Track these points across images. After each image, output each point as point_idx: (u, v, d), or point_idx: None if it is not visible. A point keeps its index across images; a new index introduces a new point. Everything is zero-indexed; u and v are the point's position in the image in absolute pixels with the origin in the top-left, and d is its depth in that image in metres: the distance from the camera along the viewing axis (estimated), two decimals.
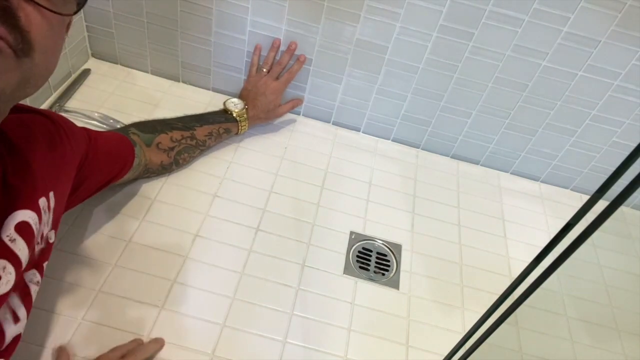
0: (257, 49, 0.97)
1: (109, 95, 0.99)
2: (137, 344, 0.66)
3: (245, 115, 0.93)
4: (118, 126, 0.90)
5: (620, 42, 0.84)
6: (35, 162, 0.50)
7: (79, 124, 0.90)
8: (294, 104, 1.01)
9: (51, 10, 0.39)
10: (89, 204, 0.79)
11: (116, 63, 1.07)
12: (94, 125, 0.92)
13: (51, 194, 0.53)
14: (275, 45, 0.95)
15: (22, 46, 0.37)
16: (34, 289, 0.52)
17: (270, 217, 0.85)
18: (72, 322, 0.66)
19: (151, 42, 1.01)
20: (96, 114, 0.93)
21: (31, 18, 0.37)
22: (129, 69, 1.07)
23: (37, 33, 0.38)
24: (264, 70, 0.98)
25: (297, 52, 0.96)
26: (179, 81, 1.07)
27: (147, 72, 1.07)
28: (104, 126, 0.92)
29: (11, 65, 0.37)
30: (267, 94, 0.96)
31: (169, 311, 0.70)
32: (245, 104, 0.94)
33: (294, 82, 1.00)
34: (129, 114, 0.96)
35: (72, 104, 0.95)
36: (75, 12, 0.43)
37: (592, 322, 0.85)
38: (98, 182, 0.69)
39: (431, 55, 0.92)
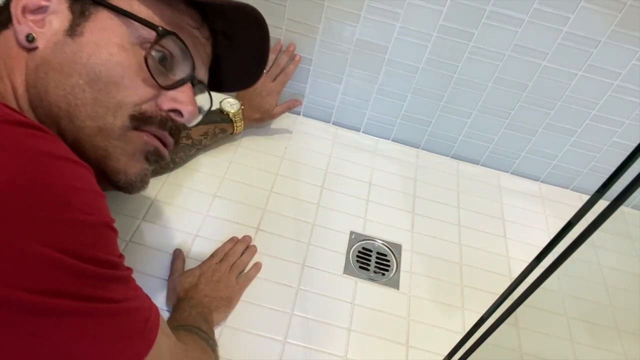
0: None
1: None
2: (233, 244, 0.78)
3: (240, 115, 0.93)
4: None
5: (620, 42, 0.84)
6: None
7: None
8: (290, 105, 1.00)
9: None
10: None
11: None
12: None
13: None
14: (276, 48, 0.95)
15: None
16: None
17: (270, 217, 0.85)
18: None
19: None
20: None
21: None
22: None
23: None
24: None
25: (297, 52, 0.96)
26: None
27: None
28: None
29: None
30: (264, 94, 0.95)
31: (168, 312, 0.70)
32: (242, 104, 0.94)
33: (294, 82, 1.00)
34: None
35: None
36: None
37: (592, 322, 0.85)
38: None
39: (431, 55, 0.92)
